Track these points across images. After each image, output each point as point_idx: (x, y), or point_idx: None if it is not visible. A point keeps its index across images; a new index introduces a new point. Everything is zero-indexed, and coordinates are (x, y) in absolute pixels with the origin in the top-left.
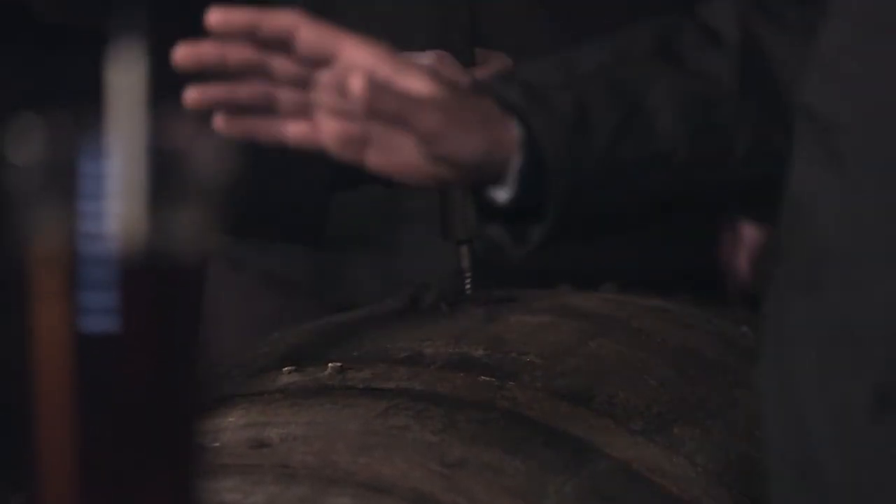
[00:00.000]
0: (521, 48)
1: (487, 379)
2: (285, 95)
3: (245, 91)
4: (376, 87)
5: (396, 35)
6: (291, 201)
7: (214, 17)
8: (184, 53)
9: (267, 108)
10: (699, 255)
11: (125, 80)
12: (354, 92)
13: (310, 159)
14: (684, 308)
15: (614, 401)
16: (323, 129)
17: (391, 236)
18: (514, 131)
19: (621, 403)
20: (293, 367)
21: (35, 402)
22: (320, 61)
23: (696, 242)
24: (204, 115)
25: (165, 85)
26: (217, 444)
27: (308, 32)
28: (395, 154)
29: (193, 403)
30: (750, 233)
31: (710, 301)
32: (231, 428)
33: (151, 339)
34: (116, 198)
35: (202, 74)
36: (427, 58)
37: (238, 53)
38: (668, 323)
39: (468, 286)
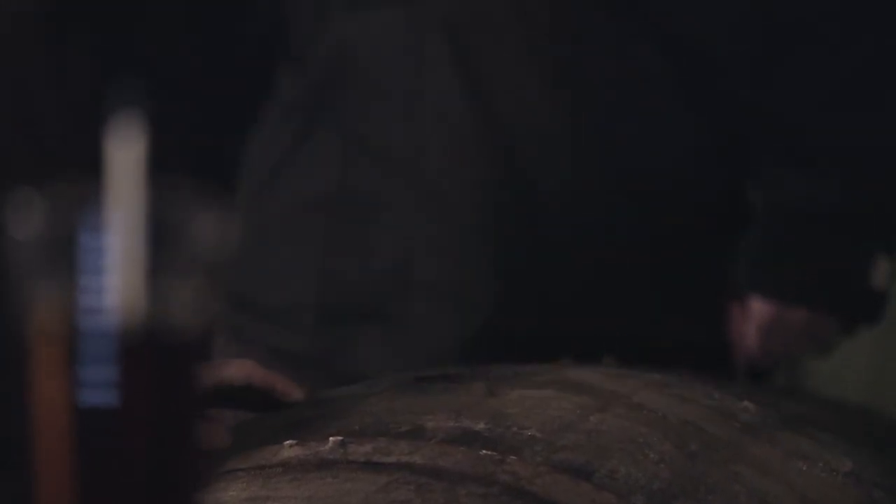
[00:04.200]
0: (516, 91)
1: (488, 453)
2: None
3: None
4: None
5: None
6: None
7: None
8: None
9: None
10: (701, 328)
11: (124, 154)
12: None
13: None
14: (685, 382)
15: (616, 476)
16: None
17: (400, 309)
18: None
19: (622, 478)
20: (294, 441)
21: (35, 474)
22: None
23: (698, 315)
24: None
25: (165, 159)
26: None
27: None
28: None
29: (194, 477)
30: (758, 308)
31: (712, 375)
32: (232, 502)
33: (151, 413)
34: (116, 272)
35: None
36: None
37: None
38: (670, 398)
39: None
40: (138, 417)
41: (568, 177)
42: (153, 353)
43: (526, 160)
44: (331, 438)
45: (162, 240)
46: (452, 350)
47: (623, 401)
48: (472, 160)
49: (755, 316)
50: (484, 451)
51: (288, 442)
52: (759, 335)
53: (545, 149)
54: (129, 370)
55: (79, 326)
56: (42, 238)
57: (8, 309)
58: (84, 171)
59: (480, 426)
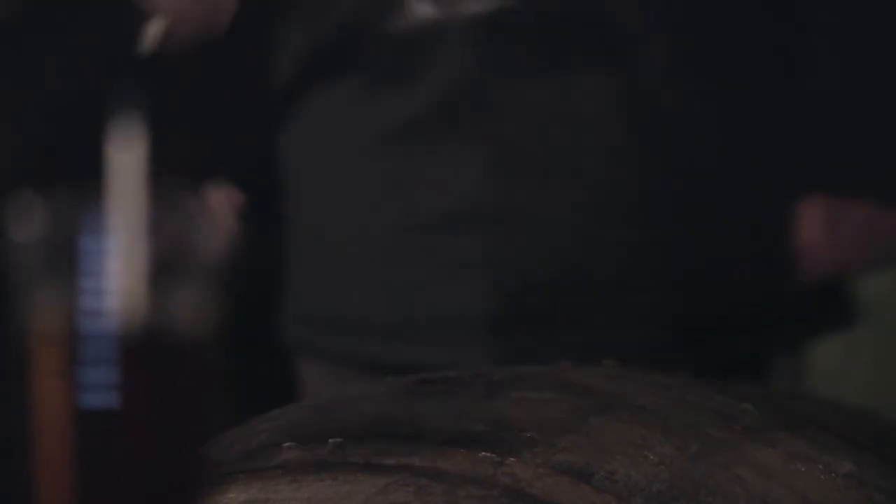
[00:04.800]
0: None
1: (488, 455)
2: None
3: None
4: None
5: None
6: None
7: None
8: None
9: None
10: (704, 331)
11: (126, 157)
12: None
13: None
14: (686, 384)
15: (615, 477)
16: None
17: (576, 312)
18: None
19: (622, 480)
20: (293, 443)
21: (36, 478)
22: None
23: (699, 318)
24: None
25: (166, 162)
26: None
27: None
28: None
29: (194, 479)
30: (823, 205)
31: (712, 377)
32: None
33: (152, 415)
34: (117, 275)
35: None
36: None
37: None
38: (670, 399)
39: None
40: (139, 420)
41: (723, 171)
42: (154, 356)
43: (681, 156)
44: (330, 440)
45: (163, 242)
46: (627, 346)
47: (623, 402)
48: (627, 159)
49: (821, 214)
50: (483, 453)
51: (287, 444)
52: (825, 235)
53: (700, 145)
54: (130, 372)
55: (79, 329)
56: (43, 241)
57: (9, 311)
58: (85, 174)
59: (480, 427)
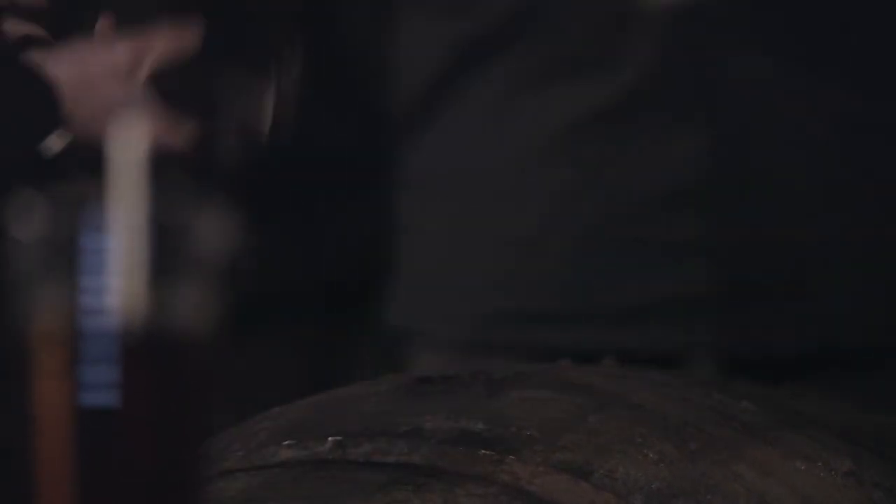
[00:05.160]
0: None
1: (487, 453)
2: None
3: None
4: None
5: None
6: None
7: None
8: None
9: None
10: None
11: (126, 157)
12: None
13: None
14: (685, 383)
15: (615, 475)
16: None
17: (801, 284)
18: None
19: (622, 478)
20: (293, 441)
21: (37, 478)
22: None
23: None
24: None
25: (167, 158)
26: None
27: None
28: None
29: (194, 478)
30: None
31: (711, 375)
32: (231, 503)
33: (152, 414)
34: (118, 273)
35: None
36: None
37: None
38: (669, 398)
39: None
40: (139, 418)
41: None
42: (154, 355)
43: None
44: (329, 438)
45: (164, 241)
46: (849, 316)
47: (622, 401)
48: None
49: None
50: (483, 451)
51: (287, 442)
52: None
53: None
54: (131, 371)
55: (80, 327)
56: (44, 239)
57: (10, 310)
58: (86, 172)
59: (479, 426)
